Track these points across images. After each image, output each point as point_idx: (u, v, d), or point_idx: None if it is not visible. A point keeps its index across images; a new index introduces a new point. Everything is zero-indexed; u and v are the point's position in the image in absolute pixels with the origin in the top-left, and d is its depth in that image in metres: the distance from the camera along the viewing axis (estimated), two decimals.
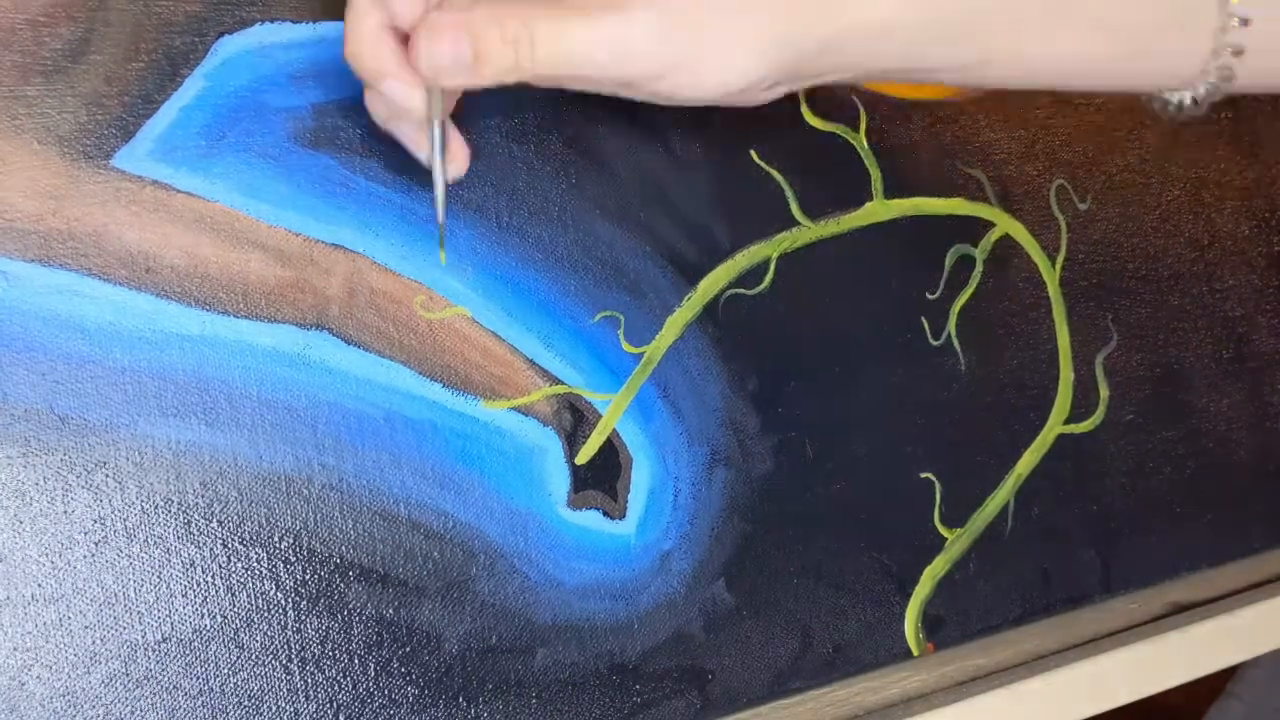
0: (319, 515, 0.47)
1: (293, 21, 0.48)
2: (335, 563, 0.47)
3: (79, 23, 0.44)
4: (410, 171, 0.48)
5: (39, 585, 0.43)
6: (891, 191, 0.60)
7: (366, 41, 0.40)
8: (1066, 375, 0.64)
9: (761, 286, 0.56)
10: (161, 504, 0.45)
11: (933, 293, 0.61)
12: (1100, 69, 0.43)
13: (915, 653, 0.59)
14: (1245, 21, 0.41)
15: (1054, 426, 0.64)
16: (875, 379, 0.59)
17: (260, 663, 0.46)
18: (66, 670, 0.43)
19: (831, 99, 0.58)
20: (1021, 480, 0.62)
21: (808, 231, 0.58)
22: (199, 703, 0.45)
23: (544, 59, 0.39)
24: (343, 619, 0.47)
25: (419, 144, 0.43)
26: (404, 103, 0.41)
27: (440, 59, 0.39)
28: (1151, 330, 0.67)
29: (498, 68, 0.39)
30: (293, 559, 0.46)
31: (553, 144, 0.51)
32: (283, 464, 0.46)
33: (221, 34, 0.47)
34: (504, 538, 0.50)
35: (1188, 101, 0.44)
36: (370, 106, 0.43)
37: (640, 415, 0.53)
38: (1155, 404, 0.67)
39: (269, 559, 0.46)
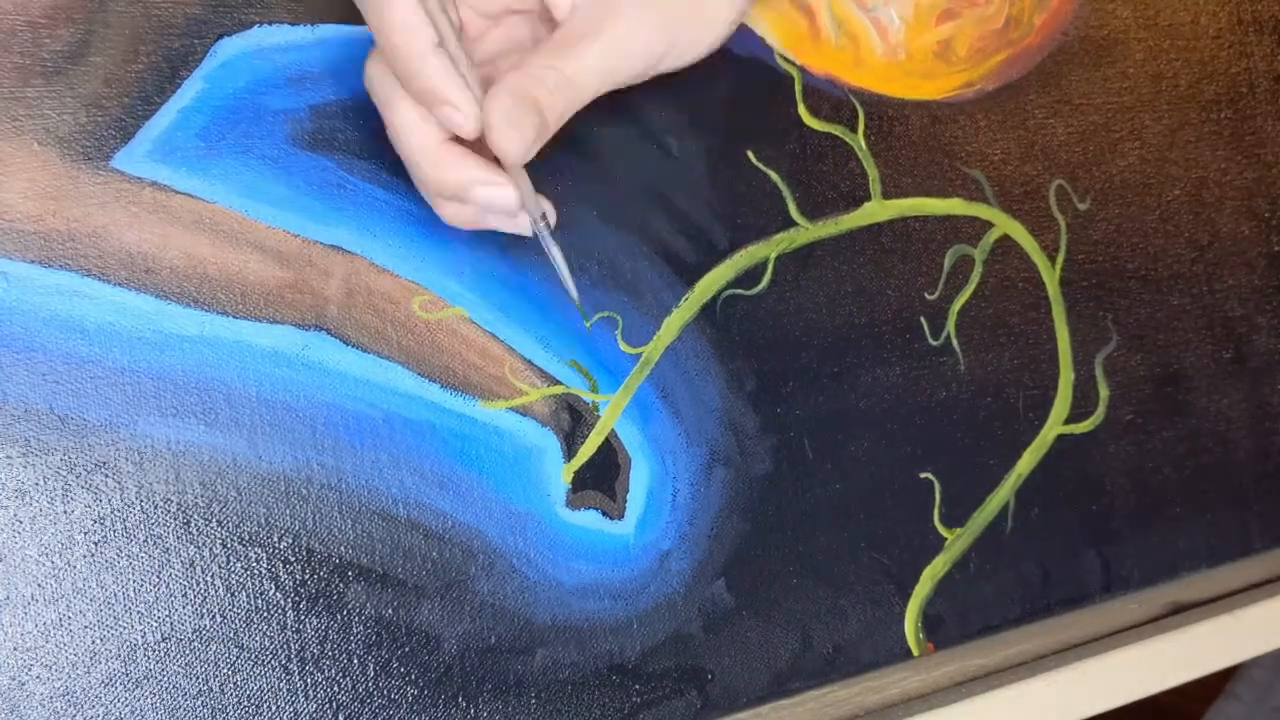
0: (318, 515, 0.47)
1: (291, 24, 0.48)
2: (335, 563, 0.47)
3: (78, 25, 0.45)
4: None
5: (39, 585, 0.43)
6: (890, 192, 0.60)
7: (444, 159, 0.43)
8: (1066, 375, 0.64)
9: (759, 287, 0.56)
10: (161, 504, 0.45)
11: (932, 293, 0.61)
12: None
13: (915, 653, 0.59)
14: None
15: (1054, 426, 0.64)
16: (875, 379, 0.59)
17: (260, 663, 0.46)
18: (66, 670, 0.43)
19: (830, 99, 0.59)
20: (1021, 480, 0.62)
21: (806, 232, 0.58)
22: (199, 703, 0.45)
23: (582, 87, 0.43)
24: (342, 619, 0.47)
25: (515, 225, 0.46)
26: (502, 200, 0.44)
27: (524, 139, 0.42)
28: (1151, 330, 0.67)
29: (557, 116, 0.43)
30: (292, 559, 0.47)
31: (551, 144, 0.51)
32: (282, 464, 0.47)
33: (220, 36, 0.47)
34: (503, 538, 0.50)
35: None
36: (451, 218, 0.45)
37: (638, 416, 0.53)
38: (1155, 404, 0.67)
39: (269, 559, 0.46)
